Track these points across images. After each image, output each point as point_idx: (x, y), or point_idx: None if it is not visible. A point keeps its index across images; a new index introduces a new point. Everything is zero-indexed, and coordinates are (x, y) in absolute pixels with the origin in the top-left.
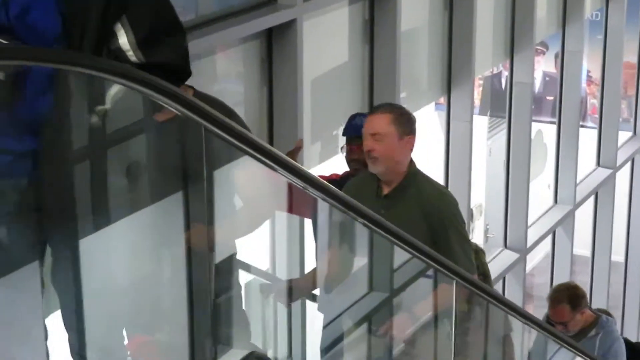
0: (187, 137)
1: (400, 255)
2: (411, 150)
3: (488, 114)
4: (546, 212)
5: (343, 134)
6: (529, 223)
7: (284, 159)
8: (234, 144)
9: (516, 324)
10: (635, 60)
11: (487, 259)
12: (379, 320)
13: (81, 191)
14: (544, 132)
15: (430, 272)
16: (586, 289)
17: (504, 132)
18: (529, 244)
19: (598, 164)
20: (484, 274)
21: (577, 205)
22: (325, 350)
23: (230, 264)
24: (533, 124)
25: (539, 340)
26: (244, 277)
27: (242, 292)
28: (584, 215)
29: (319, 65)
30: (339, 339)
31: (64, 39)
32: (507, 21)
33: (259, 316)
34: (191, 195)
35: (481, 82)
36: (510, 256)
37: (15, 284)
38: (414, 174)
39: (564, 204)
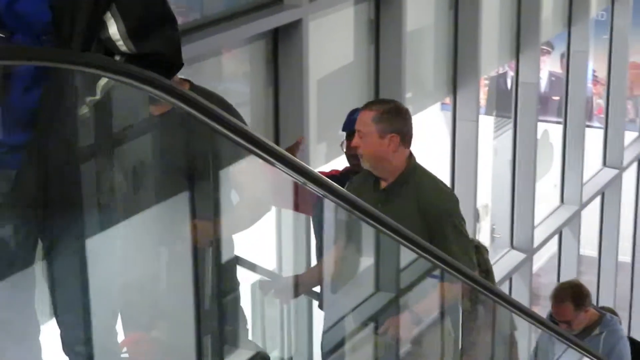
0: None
1: (401, 252)
2: (396, 149)
3: (494, 114)
4: (552, 212)
5: (342, 130)
6: (535, 223)
7: (282, 154)
8: (231, 138)
9: (520, 322)
10: None
11: (494, 259)
12: (381, 320)
13: (73, 185)
14: (550, 132)
15: (436, 272)
16: (593, 289)
17: (510, 132)
18: (535, 244)
19: (604, 164)
20: (487, 271)
21: (584, 206)
22: (327, 350)
23: (228, 260)
24: (539, 124)
25: (542, 339)
26: (242, 273)
27: (241, 288)
28: (591, 215)
29: (325, 65)
30: (342, 339)
31: (53, 28)
32: (513, 21)
33: (258, 314)
34: (191, 192)
35: (487, 82)
36: (516, 256)
37: (9, 279)
38: (412, 169)
39: (570, 204)
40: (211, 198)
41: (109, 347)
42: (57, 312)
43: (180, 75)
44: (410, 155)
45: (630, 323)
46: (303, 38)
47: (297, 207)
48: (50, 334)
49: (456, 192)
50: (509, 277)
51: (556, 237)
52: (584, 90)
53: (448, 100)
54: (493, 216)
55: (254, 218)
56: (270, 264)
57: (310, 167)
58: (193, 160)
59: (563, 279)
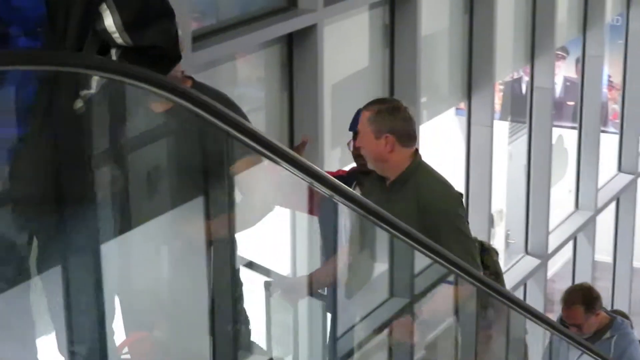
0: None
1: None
2: (392, 148)
3: (509, 119)
4: (567, 217)
5: (349, 129)
6: (550, 229)
7: (286, 152)
8: (233, 135)
9: (531, 326)
10: None
11: (508, 265)
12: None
13: (69, 180)
14: (565, 137)
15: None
16: (608, 295)
17: (525, 137)
18: (550, 249)
19: (619, 169)
20: (496, 273)
21: (599, 211)
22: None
23: (232, 260)
24: (554, 129)
25: (554, 343)
26: (246, 273)
27: (244, 289)
28: (605, 221)
29: (340, 70)
30: (354, 345)
31: (48, 20)
32: (528, 26)
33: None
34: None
35: (502, 87)
36: (531, 262)
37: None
38: (414, 168)
39: (585, 210)
40: (216, 198)
41: (105, 346)
42: (52, 310)
43: (198, 78)
44: (415, 153)
45: None
46: (318, 43)
47: (303, 208)
48: (46, 333)
49: (471, 197)
50: (523, 282)
51: (571, 243)
52: (599, 96)
53: (463, 105)
54: (508, 222)
55: (258, 218)
56: (276, 264)
57: (315, 166)
58: (196, 157)
59: None
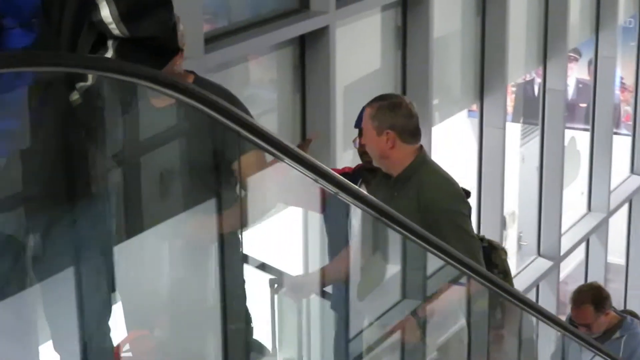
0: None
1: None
2: (393, 145)
3: (521, 121)
4: (580, 219)
5: (354, 126)
6: (563, 231)
7: (290, 148)
8: (237, 131)
9: (540, 326)
10: None
11: (521, 267)
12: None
13: (67, 175)
14: (577, 139)
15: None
16: (620, 296)
17: (537, 139)
18: (562, 251)
19: (632, 171)
20: (504, 271)
21: (611, 213)
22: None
23: (235, 257)
24: (566, 130)
25: (560, 342)
26: (250, 271)
27: (247, 286)
28: (618, 222)
29: (352, 72)
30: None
31: (43, 11)
32: (540, 28)
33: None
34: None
35: (514, 89)
36: (543, 264)
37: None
38: (417, 165)
39: (597, 212)
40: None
41: (102, 345)
42: (47, 309)
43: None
44: (419, 150)
45: None
46: (330, 45)
47: (308, 205)
48: (43, 331)
49: (483, 199)
50: (535, 284)
51: (583, 245)
52: (611, 97)
53: (475, 107)
54: (520, 223)
55: (260, 214)
56: (280, 262)
57: (320, 163)
58: (198, 153)
59: None
